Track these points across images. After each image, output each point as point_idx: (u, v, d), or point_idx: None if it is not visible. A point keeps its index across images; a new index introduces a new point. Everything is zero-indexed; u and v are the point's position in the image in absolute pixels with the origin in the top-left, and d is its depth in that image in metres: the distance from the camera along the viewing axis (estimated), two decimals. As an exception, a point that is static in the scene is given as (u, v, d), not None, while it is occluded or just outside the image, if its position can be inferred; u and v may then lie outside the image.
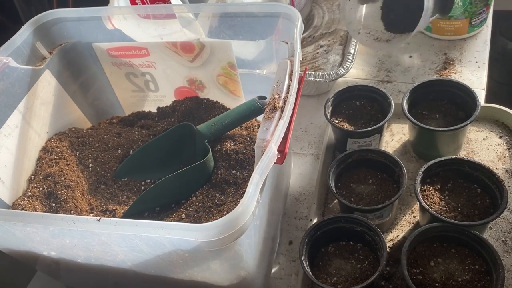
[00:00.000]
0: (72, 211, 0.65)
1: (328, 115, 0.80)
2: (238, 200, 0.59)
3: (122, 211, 0.66)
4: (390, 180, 0.72)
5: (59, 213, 0.65)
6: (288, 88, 0.58)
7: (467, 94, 0.76)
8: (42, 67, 0.74)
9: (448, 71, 0.95)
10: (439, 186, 0.69)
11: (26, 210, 0.65)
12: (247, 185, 0.48)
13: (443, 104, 0.79)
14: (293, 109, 0.56)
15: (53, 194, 0.67)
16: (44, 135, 0.75)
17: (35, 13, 0.77)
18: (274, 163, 0.51)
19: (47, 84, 0.76)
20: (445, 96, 0.78)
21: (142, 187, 0.72)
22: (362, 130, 0.77)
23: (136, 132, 0.78)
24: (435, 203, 0.67)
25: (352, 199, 0.71)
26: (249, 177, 0.51)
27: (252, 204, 0.47)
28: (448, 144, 0.77)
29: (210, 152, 0.67)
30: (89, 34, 0.78)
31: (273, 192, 0.64)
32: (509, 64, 1.46)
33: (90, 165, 0.73)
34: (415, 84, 0.80)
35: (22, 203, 0.66)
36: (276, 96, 0.57)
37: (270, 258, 0.69)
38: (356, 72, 1.00)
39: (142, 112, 0.84)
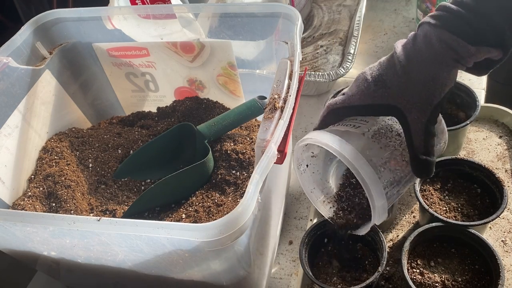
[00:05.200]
0: (72, 211, 0.65)
1: (328, 115, 0.80)
2: (238, 200, 0.60)
3: (122, 211, 0.66)
4: (390, 180, 0.72)
5: (59, 213, 0.65)
6: (288, 88, 0.58)
7: (467, 94, 0.76)
8: (42, 67, 0.74)
9: (448, 71, 0.94)
10: (439, 186, 0.69)
11: (26, 210, 0.65)
12: (247, 185, 0.48)
13: (443, 104, 0.79)
14: (293, 109, 0.56)
15: (53, 194, 0.67)
16: (44, 135, 0.75)
17: (35, 13, 0.77)
18: (274, 163, 0.51)
19: (47, 84, 0.76)
20: (445, 96, 0.78)
21: (142, 187, 0.72)
22: (362, 130, 0.76)
23: (136, 132, 0.78)
24: (435, 203, 0.67)
25: (352, 199, 0.71)
26: (249, 177, 0.51)
27: (252, 204, 0.47)
28: (448, 144, 0.77)
29: (210, 152, 0.67)
30: (89, 34, 0.78)
31: (273, 192, 0.64)
32: (509, 64, 1.46)
33: (90, 165, 0.73)
34: (415, 84, 0.80)
35: (22, 203, 0.66)
36: (276, 96, 0.57)
37: (270, 258, 0.69)
38: (356, 72, 0.99)
39: (142, 112, 0.84)
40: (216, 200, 0.63)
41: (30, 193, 0.68)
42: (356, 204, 0.60)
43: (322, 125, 0.58)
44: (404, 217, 0.74)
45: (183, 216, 0.62)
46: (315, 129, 0.59)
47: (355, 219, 0.59)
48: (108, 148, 0.76)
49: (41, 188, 0.68)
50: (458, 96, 0.77)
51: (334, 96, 0.57)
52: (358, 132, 0.54)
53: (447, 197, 0.68)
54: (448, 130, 0.73)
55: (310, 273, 0.62)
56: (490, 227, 0.71)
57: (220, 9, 0.72)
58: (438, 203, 0.67)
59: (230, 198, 0.63)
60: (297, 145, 0.59)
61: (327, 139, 0.53)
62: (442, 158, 0.69)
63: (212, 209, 0.62)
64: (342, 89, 0.56)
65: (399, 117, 0.51)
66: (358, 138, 0.53)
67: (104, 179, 0.72)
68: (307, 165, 0.62)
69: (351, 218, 0.60)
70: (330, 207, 0.62)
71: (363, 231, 0.59)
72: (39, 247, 0.59)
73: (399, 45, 0.51)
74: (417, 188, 0.67)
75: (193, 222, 0.60)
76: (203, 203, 0.63)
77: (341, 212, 0.61)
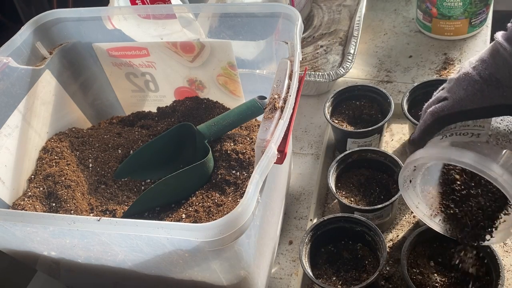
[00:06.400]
0: (72, 211, 0.65)
1: (328, 115, 0.80)
2: (238, 200, 0.60)
3: (122, 211, 0.66)
4: (390, 180, 0.72)
5: (59, 213, 0.65)
6: (288, 88, 0.58)
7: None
8: (42, 67, 0.74)
9: (448, 71, 0.95)
10: (439, 186, 0.69)
11: (26, 210, 0.65)
12: (247, 185, 0.48)
13: (443, 104, 0.78)
14: (293, 109, 0.56)
15: (53, 194, 0.67)
16: (44, 135, 0.75)
17: (35, 13, 0.77)
18: (274, 163, 0.51)
19: (47, 84, 0.76)
20: (445, 96, 0.78)
21: (142, 187, 0.72)
22: (362, 130, 0.77)
23: (136, 132, 0.78)
24: (435, 203, 0.67)
25: (352, 199, 0.71)
26: (249, 177, 0.51)
27: (252, 204, 0.47)
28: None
29: (210, 152, 0.67)
30: (89, 34, 0.78)
31: (273, 192, 0.64)
32: None
33: (90, 165, 0.73)
34: (415, 84, 0.80)
35: (22, 203, 0.66)
36: (276, 96, 0.57)
37: (270, 258, 0.69)
38: (356, 72, 1.00)
39: (142, 112, 0.84)
40: (216, 200, 0.63)
41: (30, 193, 0.68)
42: (470, 211, 0.54)
43: (425, 135, 0.54)
44: (404, 217, 0.74)
45: (183, 216, 0.62)
46: (414, 139, 0.55)
47: (477, 228, 0.54)
48: (108, 148, 0.76)
49: (41, 188, 0.68)
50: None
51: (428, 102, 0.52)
52: (482, 141, 0.49)
53: (447, 197, 0.68)
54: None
55: (310, 273, 0.62)
56: (490, 227, 0.71)
57: (220, 9, 0.72)
58: (438, 203, 0.67)
59: (230, 198, 0.63)
60: (407, 166, 0.54)
61: (468, 157, 0.47)
62: (442, 158, 0.69)
63: (212, 209, 0.62)
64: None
65: None
66: (483, 148, 0.49)
67: (104, 179, 0.72)
68: (410, 181, 0.57)
69: (472, 226, 0.54)
70: (439, 220, 0.58)
71: (498, 240, 0.54)
72: (39, 247, 0.59)
73: (502, 38, 0.47)
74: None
75: (193, 222, 0.60)
76: (203, 203, 0.63)
77: (456, 222, 0.55)
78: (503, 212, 0.53)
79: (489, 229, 0.54)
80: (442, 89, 0.54)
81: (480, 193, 0.53)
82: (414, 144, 0.55)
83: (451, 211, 0.55)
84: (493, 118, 0.51)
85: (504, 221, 0.53)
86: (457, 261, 0.59)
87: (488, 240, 0.54)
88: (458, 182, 0.54)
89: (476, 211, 0.53)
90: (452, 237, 0.57)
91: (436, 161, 0.51)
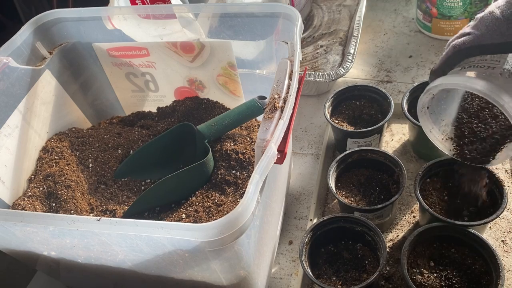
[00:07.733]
0: (72, 211, 0.65)
1: (328, 115, 0.80)
2: (238, 200, 0.60)
3: (122, 211, 0.66)
4: (390, 180, 0.72)
5: (59, 213, 0.65)
6: (288, 88, 0.58)
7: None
8: (42, 67, 0.74)
9: (448, 71, 0.95)
10: (439, 186, 0.69)
11: (26, 210, 0.65)
12: (247, 185, 0.48)
13: (443, 104, 0.79)
14: (293, 109, 0.56)
15: (53, 194, 0.67)
16: (44, 135, 0.75)
17: (35, 13, 0.77)
18: (274, 163, 0.51)
19: (47, 84, 0.76)
20: (445, 96, 0.78)
21: (142, 187, 0.72)
22: (362, 130, 0.77)
23: (136, 132, 0.78)
24: (435, 203, 0.67)
25: (352, 199, 0.71)
26: (249, 177, 0.51)
27: (252, 204, 0.47)
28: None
29: (210, 152, 0.67)
30: (89, 34, 0.78)
31: (273, 192, 0.64)
32: None
33: (90, 165, 0.73)
34: (415, 84, 0.80)
35: (22, 203, 0.66)
36: (276, 96, 0.57)
37: (270, 258, 0.69)
38: (356, 72, 1.00)
39: (142, 112, 0.84)
40: (216, 200, 0.63)
41: (30, 193, 0.68)
42: (481, 137, 0.61)
43: (445, 66, 0.58)
44: (404, 217, 0.74)
45: (183, 216, 0.62)
46: (435, 69, 0.60)
47: (481, 151, 0.61)
48: (108, 148, 0.76)
49: (41, 188, 0.68)
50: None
51: (458, 37, 0.59)
52: (495, 73, 0.54)
53: (447, 197, 0.68)
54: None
55: (310, 273, 0.62)
56: (490, 227, 0.71)
57: (220, 9, 0.72)
58: (438, 203, 0.67)
59: (230, 198, 0.63)
60: (428, 91, 0.59)
61: (480, 84, 0.53)
62: (442, 158, 0.69)
63: (212, 209, 0.62)
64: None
65: None
66: (496, 79, 0.54)
67: (104, 179, 0.72)
68: (427, 107, 0.64)
69: (478, 150, 0.61)
70: (452, 143, 0.64)
71: (497, 161, 0.61)
72: (39, 247, 0.59)
73: None
74: (417, 188, 0.67)
75: (193, 222, 0.60)
76: (203, 203, 0.63)
77: (465, 146, 0.63)
78: (509, 139, 0.59)
79: (494, 153, 0.60)
80: (468, 26, 0.57)
81: (490, 122, 0.61)
82: (435, 74, 0.60)
83: (465, 137, 0.63)
84: (510, 55, 0.56)
85: (507, 146, 0.60)
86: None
87: (490, 162, 0.61)
88: (474, 110, 0.62)
89: (487, 137, 0.60)
90: (459, 158, 0.63)
91: (453, 87, 0.57)
